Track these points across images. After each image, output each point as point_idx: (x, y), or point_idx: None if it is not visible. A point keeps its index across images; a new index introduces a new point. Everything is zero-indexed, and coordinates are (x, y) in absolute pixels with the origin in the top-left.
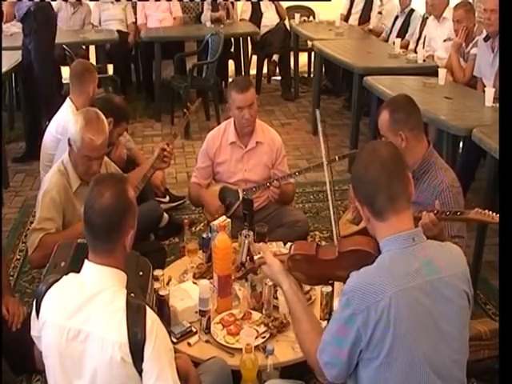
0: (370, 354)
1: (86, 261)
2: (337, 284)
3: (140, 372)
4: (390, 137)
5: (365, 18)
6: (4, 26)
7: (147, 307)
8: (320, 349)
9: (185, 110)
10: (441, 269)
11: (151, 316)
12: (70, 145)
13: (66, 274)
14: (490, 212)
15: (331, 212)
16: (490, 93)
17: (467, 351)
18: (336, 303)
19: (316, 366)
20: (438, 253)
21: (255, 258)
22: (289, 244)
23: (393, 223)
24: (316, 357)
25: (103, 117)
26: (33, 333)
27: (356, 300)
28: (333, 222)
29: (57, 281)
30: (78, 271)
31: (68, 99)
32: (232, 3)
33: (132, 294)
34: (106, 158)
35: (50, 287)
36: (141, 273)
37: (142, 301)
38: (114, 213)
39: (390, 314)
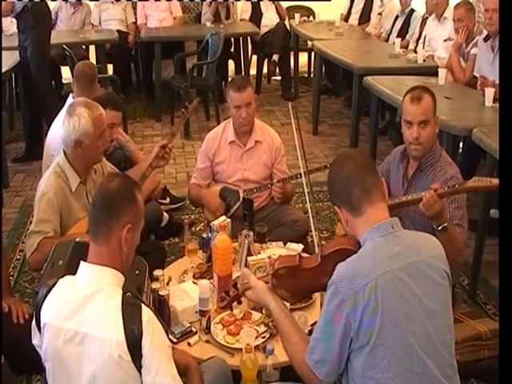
0: (360, 341)
1: (81, 262)
2: None
3: (139, 369)
4: (433, 120)
5: (365, 17)
6: (4, 26)
7: (143, 305)
8: (309, 349)
9: (183, 110)
10: (421, 251)
11: (147, 313)
12: (78, 146)
13: (63, 274)
14: (488, 178)
15: (310, 217)
16: (490, 93)
17: (453, 331)
18: None
19: (307, 374)
20: (416, 238)
21: (238, 285)
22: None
23: (370, 216)
24: (305, 363)
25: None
26: (34, 341)
27: (344, 287)
28: (313, 228)
29: (56, 284)
30: (76, 269)
31: (71, 99)
32: (232, 3)
33: (128, 294)
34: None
35: (50, 291)
36: (137, 272)
37: (139, 299)
38: (118, 197)
39: (377, 296)
